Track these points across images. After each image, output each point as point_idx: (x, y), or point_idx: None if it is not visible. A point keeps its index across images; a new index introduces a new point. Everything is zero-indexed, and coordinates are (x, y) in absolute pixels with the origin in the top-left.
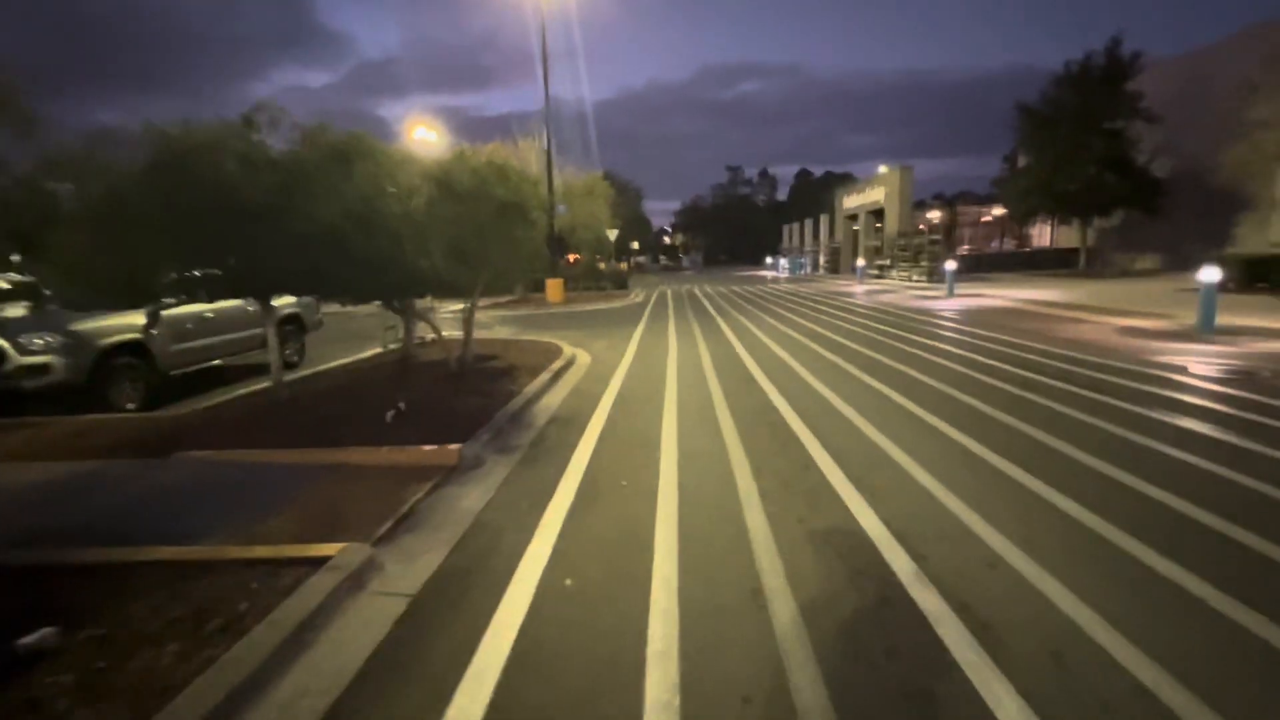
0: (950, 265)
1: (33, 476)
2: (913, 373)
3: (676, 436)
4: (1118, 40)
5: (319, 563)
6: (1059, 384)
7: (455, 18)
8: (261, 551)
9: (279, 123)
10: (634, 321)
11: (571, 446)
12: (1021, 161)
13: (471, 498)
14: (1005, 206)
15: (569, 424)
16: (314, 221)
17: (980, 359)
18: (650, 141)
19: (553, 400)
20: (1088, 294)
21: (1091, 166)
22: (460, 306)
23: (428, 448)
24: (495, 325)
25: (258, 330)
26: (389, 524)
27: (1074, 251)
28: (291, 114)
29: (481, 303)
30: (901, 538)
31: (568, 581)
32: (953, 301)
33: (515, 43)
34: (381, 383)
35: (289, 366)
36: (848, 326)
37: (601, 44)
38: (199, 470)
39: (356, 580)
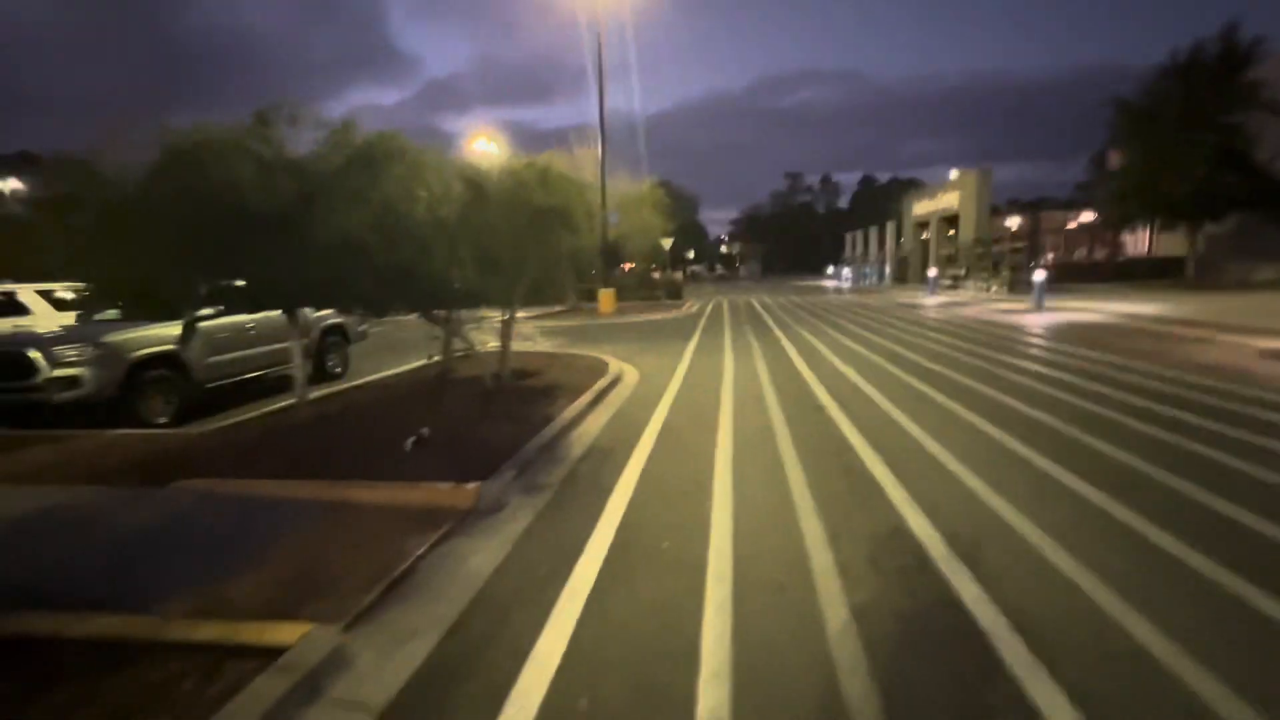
0: (1040, 275)
1: (13, 506)
2: (1016, 404)
3: (731, 480)
4: (1234, 25)
5: (274, 653)
6: (1211, 424)
7: (517, 35)
8: (209, 632)
9: (300, 120)
10: (687, 335)
11: (607, 489)
12: (1115, 162)
13: (483, 554)
14: (1097, 211)
15: (607, 458)
16: (335, 231)
17: (1099, 388)
18: (708, 151)
19: (592, 427)
20: (1203, 308)
21: (1203, 165)
22: (518, 315)
23: (443, 486)
24: (542, 337)
25: (301, 341)
26: (377, 590)
27: (1177, 261)
28: (315, 111)
29: (531, 313)
30: (1048, 659)
31: (582, 703)
32: (1043, 316)
33: (575, 57)
34: (412, 401)
35: (331, 378)
36: (925, 344)
37: (659, 57)
38: (192, 504)
39: (312, 685)
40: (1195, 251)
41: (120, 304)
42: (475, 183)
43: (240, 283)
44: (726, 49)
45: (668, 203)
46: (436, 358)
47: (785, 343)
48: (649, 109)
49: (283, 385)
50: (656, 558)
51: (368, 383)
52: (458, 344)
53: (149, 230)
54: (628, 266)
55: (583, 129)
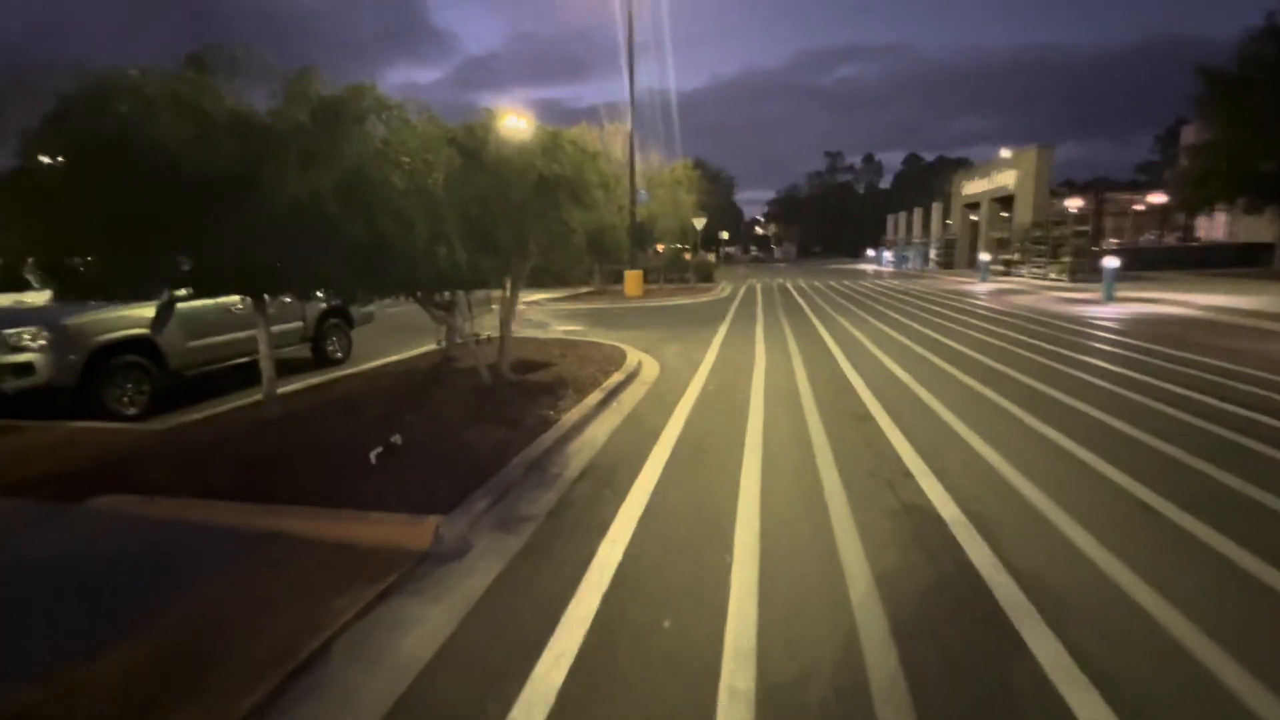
0: (1111, 262)
1: None
2: (1108, 421)
3: (758, 521)
4: None
5: None
6: None
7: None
8: None
9: (244, 67)
10: (717, 321)
11: (602, 526)
12: (1192, 138)
13: (423, 629)
14: (1172, 192)
15: (609, 480)
16: (286, 200)
17: (1210, 401)
18: (744, 130)
19: (597, 435)
20: None
21: None
22: (541, 296)
23: (397, 518)
24: (561, 321)
25: (296, 324)
26: (264, 690)
27: (1263, 247)
28: (267, 57)
29: (555, 295)
30: None
31: None
32: (1113, 308)
33: (609, 34)
34: (399, 397)
35: (331, 364)
36: (984, 339)
37: (695, 33)
38: (98, 531)
39: None
40: None
41: (51, 283)
42: (467, 147)
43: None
44: (765, 24)
45: (701, 182)
46: (445, 343)
47: (822, 332)
48: (684, 87)
49: (289, 368)
50: (653, 645)
51: (362, 371)
52: (476, 327)
53: (49, 196)
54: (660, 248)
55: (614, 106)
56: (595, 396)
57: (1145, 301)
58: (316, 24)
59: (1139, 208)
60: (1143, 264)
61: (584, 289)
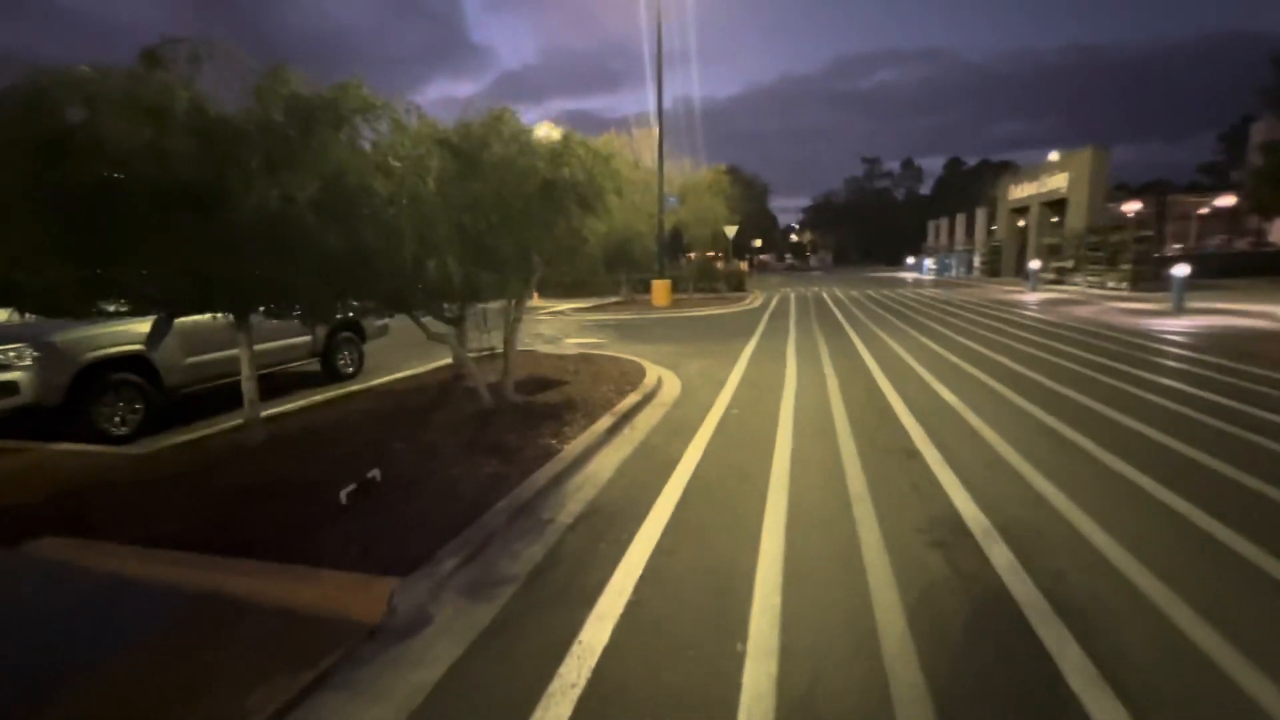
0: (1180, 270)
1: None
2: (1215, 466)
3: (779, 597)
4: None
5: None
6: None
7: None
8: None
9: (204, 61)
10: (746, 334)
11: (589, 597)
12: (1261, 135)
13: None
14: (1248, 194)
15: (606, 530)
16: (253, 210)
17: None
18: (780, 137)
19: (601, 470)
20: None
21: None
22: (566, 307)
23: (349, 580)
24: (582, 333)
25: (303, 338)
26: None
27: None
28: (236, 51)
29: (578, 305)
30: None
31: None
32: (1184, 321)
33: (643, 46)
34: (397, 418)
35: (342, 379)
36: (1041, 355)
37: (730, 40)
38: (32, 579)
39: None
40: None
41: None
42: (460, 149)
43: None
44: (801, 29)
45: (734, 188)
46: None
47: (860, 347)
48: (718, 94)
49: (296, 383)
50: None
51: (369, 388)
52: (485, 340)
53: None
54: (691, 256)
55: (647, 115)
56: (605, 422)
57: (1220, 314)
58: (358, 41)
59: (1203, 211)
60: (1210, 271)
61: (611, 299)
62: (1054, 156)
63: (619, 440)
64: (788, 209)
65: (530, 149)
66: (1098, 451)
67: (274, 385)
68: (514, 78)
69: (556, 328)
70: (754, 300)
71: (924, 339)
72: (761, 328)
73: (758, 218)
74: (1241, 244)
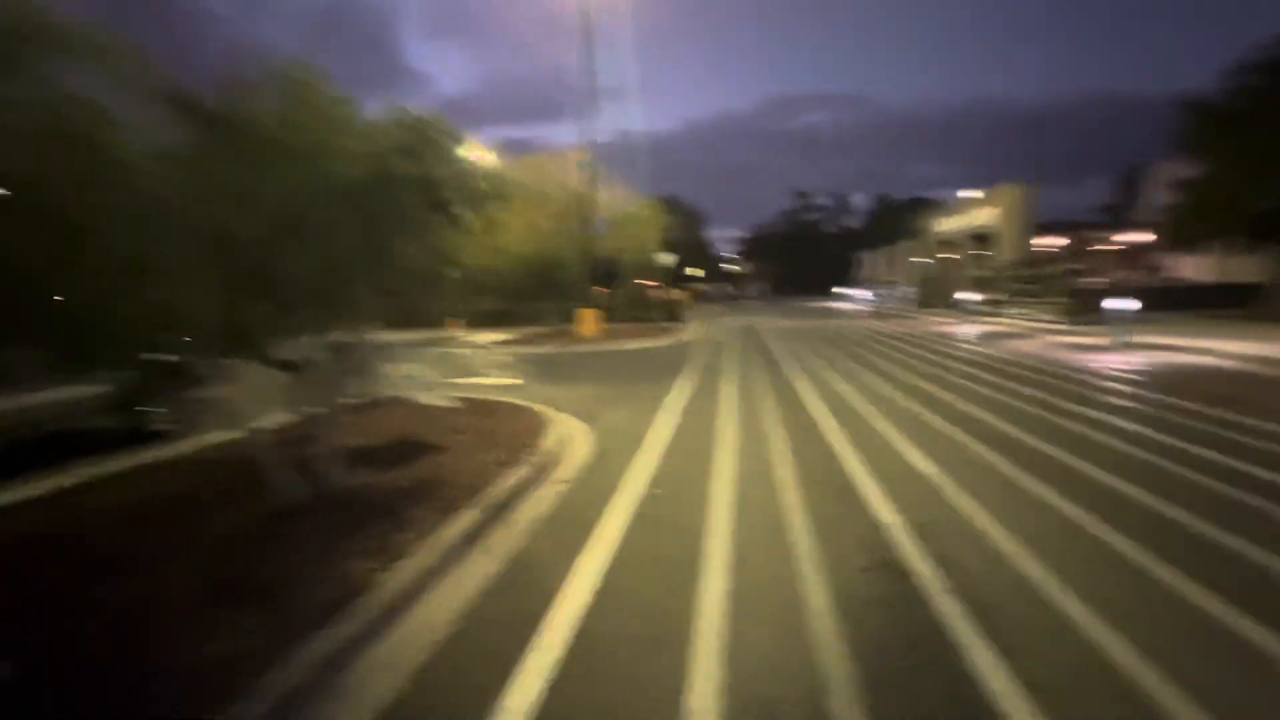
0: (1130, 304)
1: None
2: (1253, 555)
3: None
4: None
5: None
6: None
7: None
8: None
9: None
10: (678, 372)
11: None
12: (1163, 177)
13: None
14: (1166, 231)
15: None
16: None
17: None
18: (717, 171)
19: (434, 619)
20: None
21: None
22: (483, 339)
23: None
24: (490, 371)
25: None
26: None
27: (1251, 288)
28: None
29: (501, 335)
30: None
31: None
32: (1136, 358)
33: (585, 77)
34: (150, 523)
35: (148, 440)
36: (1013, 403)
37: (668, 78)
38: None
39: None
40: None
41: None
42: (218, 117)
43: None
44: (735, 71)
45: (671, 218)
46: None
47: (806, 392)
48: (658, 128)
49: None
50: None
51: (160, 460)
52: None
53: None
54: (635, 283)
55: (590, 146)
56: (468, 519)
57: (1165, 349)
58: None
59: (1110, 247)
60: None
61: (537, 329)
62: (969, 194)
63: (479, 554)
64: (726, 239)
65: (350, 127)
66: (1124, 548)
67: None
68: (453, 105)
69: (464, 364)
70: (689, 332)
71: (875, 380)
72: (698, 364)
73: (696, 247)
74: (1152, 279)
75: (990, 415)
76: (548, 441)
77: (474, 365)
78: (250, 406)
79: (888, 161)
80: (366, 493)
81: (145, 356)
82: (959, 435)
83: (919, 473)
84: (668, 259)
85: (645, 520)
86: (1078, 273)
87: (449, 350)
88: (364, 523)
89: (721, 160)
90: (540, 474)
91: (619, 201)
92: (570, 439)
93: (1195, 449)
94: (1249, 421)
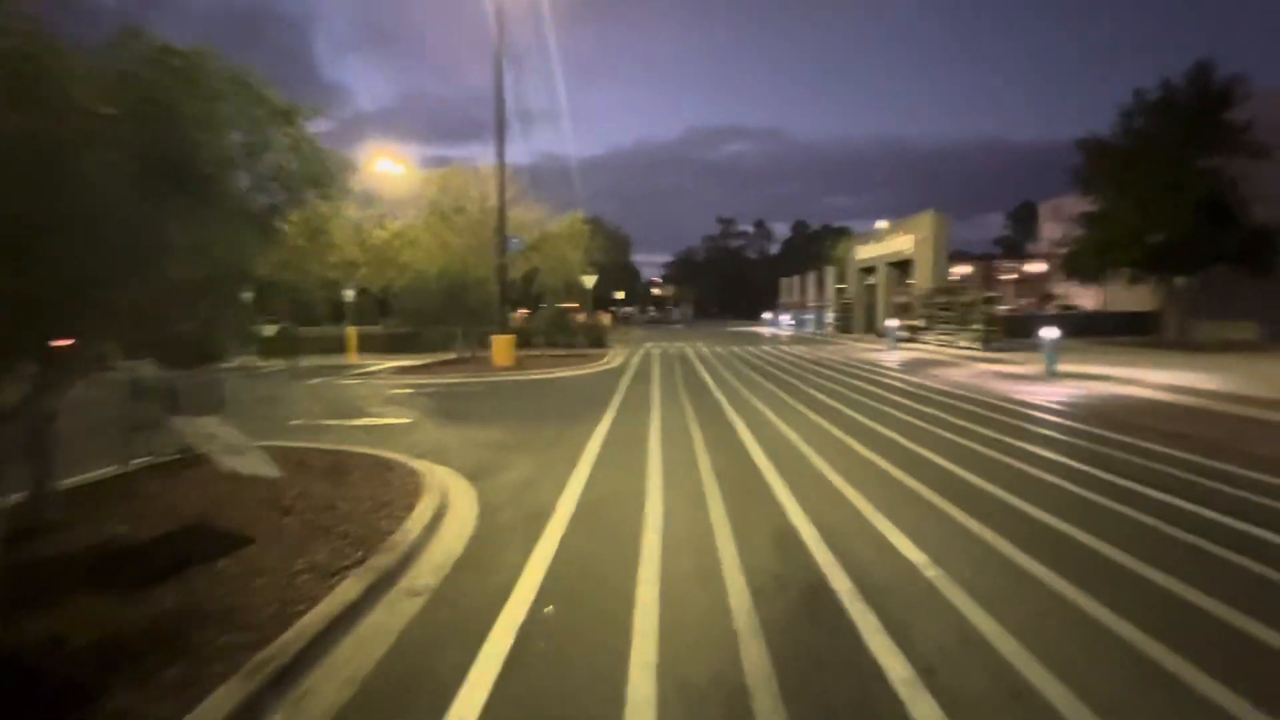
0: (1051, 333)
1: None
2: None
3: None
4: (1206, 68)
5: None
6: None
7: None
8: None
9: None
10: (600, 407)
11: None
12: (1055, 213)
13: None
14: (1069, 262)
15: None
16: None
17: None
18: (641, 197)
19: None
20: (1258, 378)
21: (1189, 213)
22: (384, 365)
23: None
24: (382, 407)
25: None
26: None
27: (1143, 316)
28: None
29: (405, 361)
30: None
31: None
32: (1067, 389)
33: (507, 96)
34: None
35: None
36: (963, 442)
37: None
38: None
39: None
40: (1175, 306)
41: None
42: None
43: None
44: (655, 102)
45: (595, 240)
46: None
47: (743, 432)
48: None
49: None
50: None
51: None
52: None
53: None
54: (563, 306)
55: (516, 169)
56: (223, 703)
57: (1092, 379)
58: None
59: (1011, 277)
60: (1031, 332)
61: (442, 355)
62: (885, 223)
63: None
64: (650, 263)
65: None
66: (1129, 632)
67: None
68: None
69: (349, 399)
70: (614, 358)
71: (814, 415)
72: (619, 398)
73: (620, 270)
74: (1052, 307)
75: (942, 458)
76: (411, 521)
77: (361, 400)
78: None
79: (803, 192)
80: (69, 652)
81: None
82: (940, 503)
83: (890, 543)
84: (590, 281)
85: (526, 661)
86: (992, 300)
87: (338, 381)
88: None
89: (645, 186)
90: (382, 584)
91: (540, 220)
92: (447, 514)
93: (1148, 491)
94: (1208, 463)
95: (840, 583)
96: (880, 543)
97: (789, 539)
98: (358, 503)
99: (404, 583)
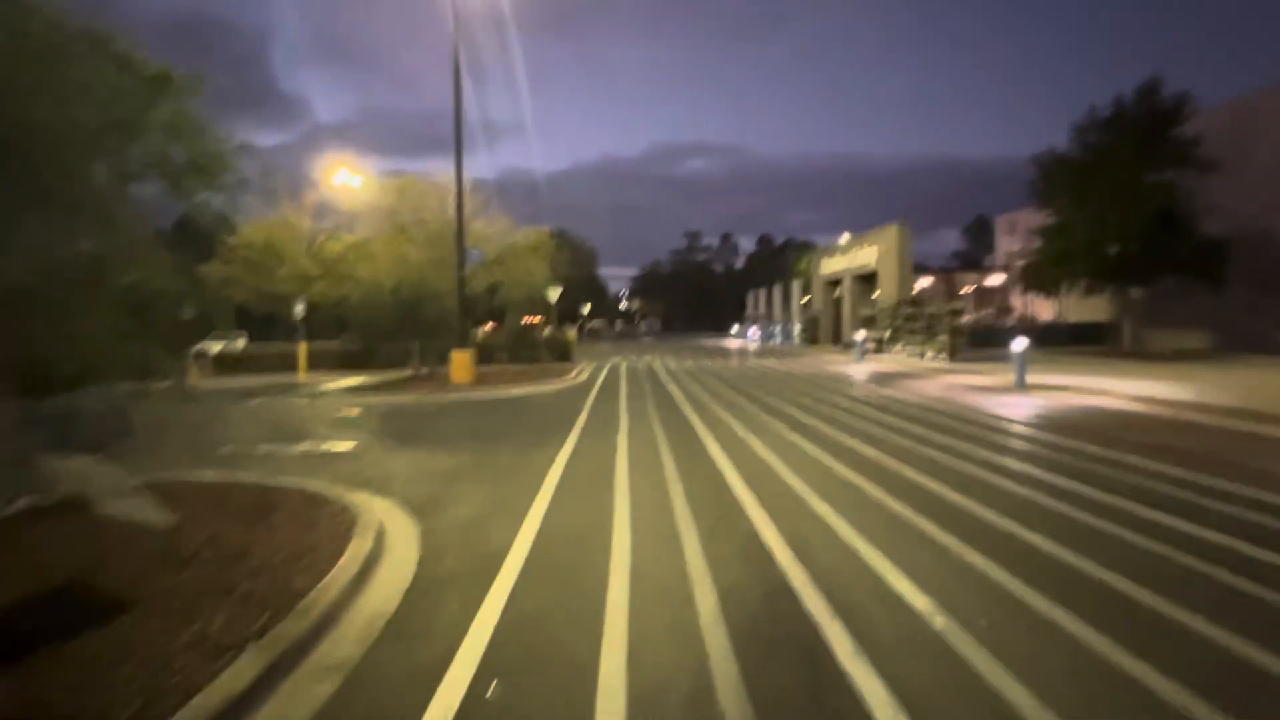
0: (1020, 344)
1: None
2: None
3: None
4: (1154, 85)
5: None
6: None
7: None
8: None
9: None
10: (563, 429)
11: None
12: (1014, 225)
13: None
14: (1028, 274)
15: None
16: None
17: None
18: (606, 211)
19: None
20: (1222, 387)
21: (1144, 225)
22: (336, 384)
23: None
24: (328, 429)
25: None
26: None
27: (1097, 326)
28: None
29: (358, 379)
30: None
31: None
32: (1040, 400)
33: (473, 114)
34: None
35: None
36: (948, 462)
37: (552, 121)
38: None
39: None
40: (1130, 316)
41: None
42: None
43: None
44: (619, 119)
45: (560, 253)
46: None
47: (716, 451)
48: (545, 167)
49: None
50: None
51: None
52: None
53: None
54: (535, 320)
55: (480, 183)
56: None
57: (1062, 390)
58: None
59: (970, 289)
60: (988, 342)
61: (398, 373)
62: (845, 237)
63: None
64: (617, 277)
65: None
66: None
67: None
68: (330, 132)
69: (292, 421)
70: (580, 373)
71: (792, 434)
72: (584, 418)
73: (587, 284)
74: (1010, 319)
75: (934, 481)
76: (336, 572)
77: (304, 423)
78: None
79: (766, 207)
80: None
81: None
82: (932, 530)
83: (899, 594)
84: (555, 293)
85: None
86: (958, 312)
87: (282, 399)
88: None
89: (612, 200)
90: (286, 662)
91: (504, 232)
92: (381, 561)
93: (1156, 514)
94: (1214, 484)
95: (840, 639)
96: (870, 578)
97: (778, 587)
98: (274, 551)
99: (315, 657)
